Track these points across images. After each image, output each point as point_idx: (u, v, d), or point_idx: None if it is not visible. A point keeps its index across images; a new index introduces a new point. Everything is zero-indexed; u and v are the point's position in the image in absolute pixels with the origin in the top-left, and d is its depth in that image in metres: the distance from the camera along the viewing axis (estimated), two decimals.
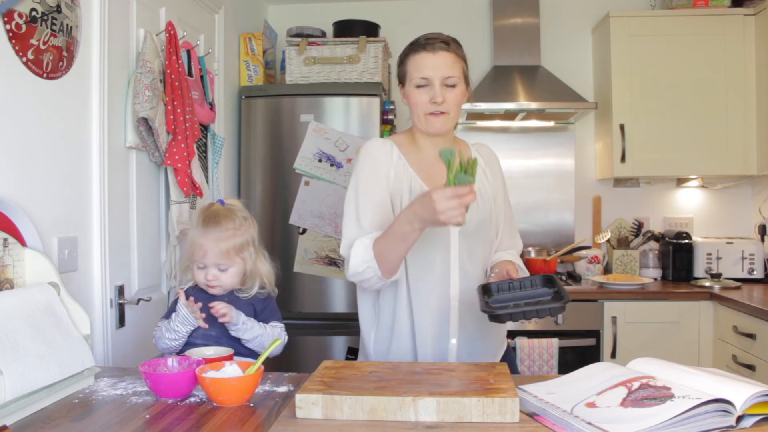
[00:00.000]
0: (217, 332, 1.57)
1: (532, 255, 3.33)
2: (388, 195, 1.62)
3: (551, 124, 3.52)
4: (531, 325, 2.92)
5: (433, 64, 1.58)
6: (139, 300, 2.10)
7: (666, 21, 3.19)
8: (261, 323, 1.60)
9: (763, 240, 3.23)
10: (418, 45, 1.61)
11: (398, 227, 1.46)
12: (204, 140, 2.63)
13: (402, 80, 1.66)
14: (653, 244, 3.39)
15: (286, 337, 1.64)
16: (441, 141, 1.66)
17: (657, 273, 3.32)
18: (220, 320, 1.54)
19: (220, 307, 1.53)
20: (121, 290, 2.04)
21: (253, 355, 1.58)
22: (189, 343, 1.56)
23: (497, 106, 3.12)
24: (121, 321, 2.04)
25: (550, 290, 1.52)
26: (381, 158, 1.65)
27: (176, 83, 2.19)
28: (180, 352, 1.54)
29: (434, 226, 1.43)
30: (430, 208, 1.35)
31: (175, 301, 1.57)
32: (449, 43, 1.60)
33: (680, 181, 3.51)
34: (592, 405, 1.12)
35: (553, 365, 2.87)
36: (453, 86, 1.59)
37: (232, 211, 1.61)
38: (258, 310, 1.63)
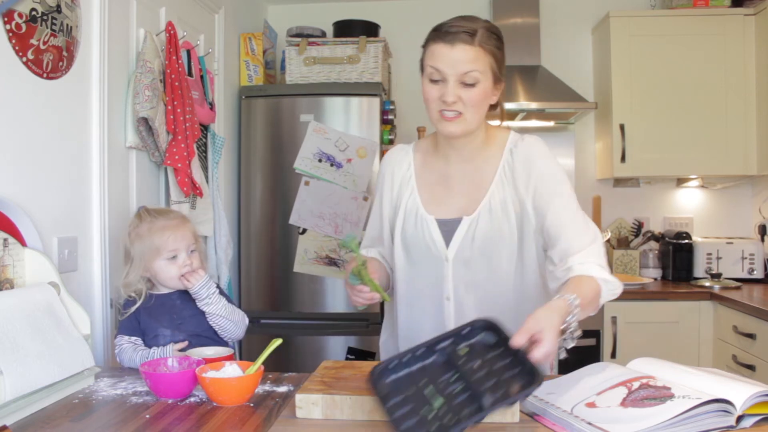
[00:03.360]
0: (185, 336, 1.59)
1: None
2: (386, 209, 1.59)
3: (551, 124, 3.52)
4: None
5: (448, 58, 1.36)
6: None
7: (666, 21, 3.18)
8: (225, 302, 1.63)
9: (763, 240, 3.23)
10: (438, 32, 1.40)
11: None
12: (204, 140, 2.63)
13: (422, 68, 1.44)
14: (653, 244, 3.39)
15: (246, 319, 1.69)
16: (464, 144, 1.47)
17: (657, 273, 3.32)
18: (191, 280, 1.57)
19: (195, 277, 1.58)
20: None
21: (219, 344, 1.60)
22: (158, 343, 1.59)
23: None
24: None
25: (504, 357, 1.10)
26: (388, 170, 1.58)
27: (176, 83, 2.19)
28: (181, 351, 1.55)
29: None
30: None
31: (134, 319, 1.59)
32: (474, 34, 1.36)
33: (680, 181, 3.51)
34: (592, 405, 1.12)
35: (553, 365, 2.86)
36: (472, 85, 1.37)
37: (163, 208, 1.71)
38: None
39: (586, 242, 1.39)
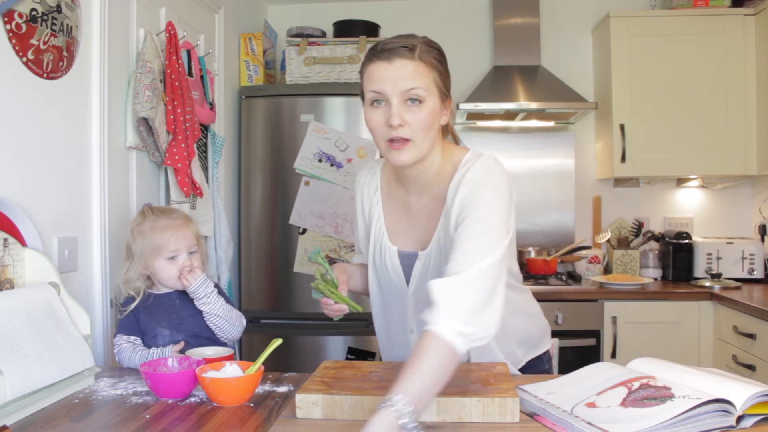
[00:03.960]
0: (183, 336, 1.59)
1: (532, 255, 3.33)
2: (363, 231, 1.54)
3: (551, 124, 3.52)
4: None
5: (387, 76, 1.25)
6: None
7: (666, 21, 3.18)
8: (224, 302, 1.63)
9: (763, 240, 3.23)
10: (374, 52, 1.30)
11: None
12: (204, 140, 2.63)
13: (363, 97, 1.34)
14: (653, 244, 3.39)
15: (243, 320, 1.69)
16: (417, 173, 1.35)
17: (657, 273, 3.31)
18: (189, 279, 1.57)
19: (193, 275, 1.58)
20: None
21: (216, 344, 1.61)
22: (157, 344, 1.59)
23: (497, 106, 3.12)
24: None
25: None
26: (359, 192, 1.53)
27: (176, 83, 2.19)
28: (180, 352, 1.55)
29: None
30: None
31: (133, 318, 1.58)
32: (414, 48, 1.26)
33: (680, 181, 3.51)
34: (592, 405, 1.12)
35: (554, 365, 2.86)
36: (418, 101, 1.26)
37: (168, 207, 1.70)
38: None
39: (467, 264, 1.16)
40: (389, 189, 1.47)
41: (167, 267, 1.59)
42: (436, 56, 1.30)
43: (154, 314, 1.58)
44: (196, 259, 1.63)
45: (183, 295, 1.61)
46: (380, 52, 1.28)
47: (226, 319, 1.60)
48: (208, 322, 1.60)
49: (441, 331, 1.07)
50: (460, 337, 1.07)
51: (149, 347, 1.55)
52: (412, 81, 1.25)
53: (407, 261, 1.41)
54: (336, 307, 1.37)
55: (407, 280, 1.42)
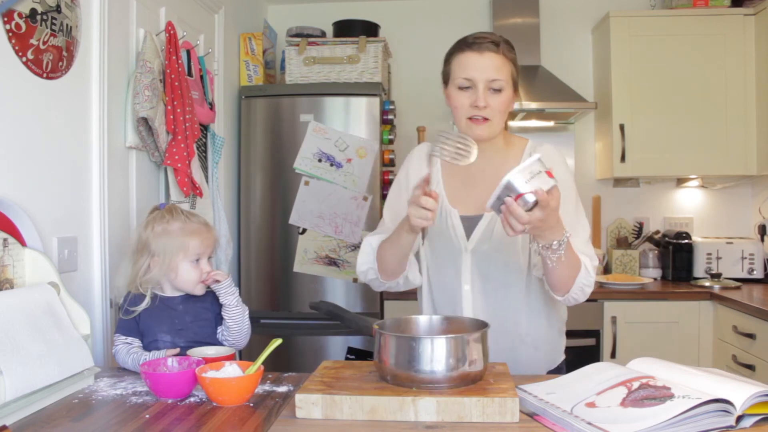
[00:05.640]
0: (184, 342, 1.58)
1: None
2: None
3: (551, 124, 3.52)
4: None
5: (478, 65, 1.48)
6: None
7: (666, 21, 3.19)
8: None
9: (763, 240, 3.23)
10: (465, 43, 1.51)
11: (395, 230, 1.50)
12: (204, 140, 2.63)
13: (446, 80, 1.56)
14: (653, 244, 3.39)
15: (250, 330, 1.72)
16: (486, 146, 1.54)
17: (657, 273, 3.31)
18: (217, 281, 1.59)
19: (215, 274, 1.59)
20: None
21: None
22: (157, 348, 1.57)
23: None
24: None
25: None
26: (416, 162, 1.65)
27: (176, 83, 2.19)
28: (180, 353, 1.54)
29: (411, 230, 1.42)
30: (404, 219, 1.40)
31: (132, 320, 1.57)
32: (499, 44, 1.50)
33: (680, 181, 3.51)
34: (592, 405, 1.12)
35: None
36: (499, 90, 1.49)
37: (191, 210, 1.70)
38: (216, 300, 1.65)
39: (581, 240, 1.50)
40: (449, 165, 1.58)
41: (190, 271, 1.56)
42: (514, 54, 1.55)
43: (156, 318, 1.57)
44: (212, 265, 1.64)
45: (187, 300, 1.60)
46: (471, 44, 1.50)
47: (243, 316, 1.63)
48: (225, 316, 1.59)
49: (582, 258, 1.45)
50: (585, 272, 1.45)
51: (149, 351, 1.54)
52: (497, 73, 1.48)
53: (467, 223, 1.57)
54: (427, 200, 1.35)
55: (467, 239, 1.57)
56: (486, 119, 1.49)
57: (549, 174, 1.28)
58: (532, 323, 1.60)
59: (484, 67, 1.48)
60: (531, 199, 1.24)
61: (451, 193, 1.60)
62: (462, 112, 1.50)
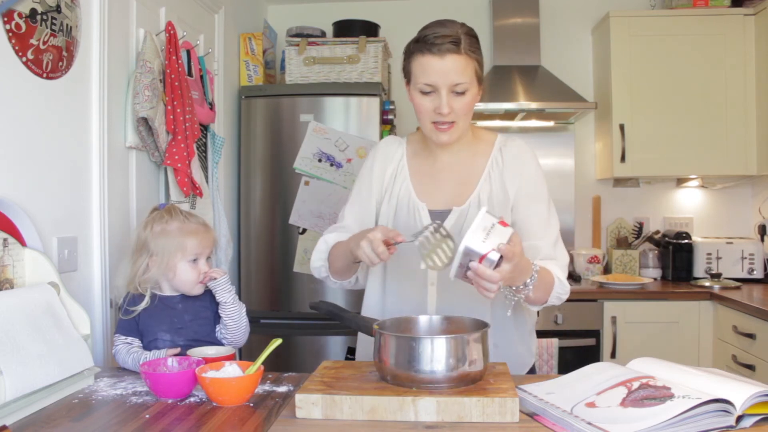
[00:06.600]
0: (184, 341, 1.58)
1: None
2: (374, 196, 1.60)
3: (551, 124, 3.52)
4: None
5: (439, 70, 1.41)
6: None
7: (666, 21, 3.19)
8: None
9: (763, 240, 3.23)
10: (425, 44, 1.42)
11: (346, 243, 1.46)
12: (204, 140, 2.63)
13: (407, 77, 1.51)
14: (653, 244, 3.39)
15: (249, 328, 1.71)
16: (454, 146, 1.55)
17: (657, 273, 3.31)
18: (212, 280, 1.59)
19: (212, 271, 1.59)
20: None
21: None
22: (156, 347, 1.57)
23: (497, 106, 3.12)
24: None
25: None
26: (380, 158, 1.63)
27: (176, 83, 2.19)
28: (180, 353, 1.54)
29: (357, 256, 1.38)
30: (359, 239, 1.35)
31: (132, 319, 1.57)
32: (459, 43, 1.41)
33: (680, 181, 3.51)
34: (592, 405, 1.12)
35: (553, 365, 2.86)
36: (462, 93, 1.43)
37: (190, 211, 1.69)
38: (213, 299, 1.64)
39: (550, 243, 1.52)
40: (415, 156, 1.60)
41: (188, 271, 1.57)
42: (476, 47, 1.46)
43: (155, 317, 1.57)
44: (211, 265, 1.63)
45: (186, 299, 1.61)
46: (431, 45, 1.41)
47: (241, 315, 1.62)
48: (223, 314, 1.59)
49: (553, 270, 1.46)
50: (559, 284, 1.47)
51: (149, 350, 1.54)
52: (459, 76, 1.41)
53: (435, 217, 1.51)
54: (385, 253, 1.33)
55: None
56: (452, 124, 1.46)
57: (503, 223, 1.24)
58: (498, 324, 1.52)
59: (446, 72, 1.41)
60: (495, 257, 1.21)
61: (419, 188, 1.57)
62: (426, 117, 1.47)
